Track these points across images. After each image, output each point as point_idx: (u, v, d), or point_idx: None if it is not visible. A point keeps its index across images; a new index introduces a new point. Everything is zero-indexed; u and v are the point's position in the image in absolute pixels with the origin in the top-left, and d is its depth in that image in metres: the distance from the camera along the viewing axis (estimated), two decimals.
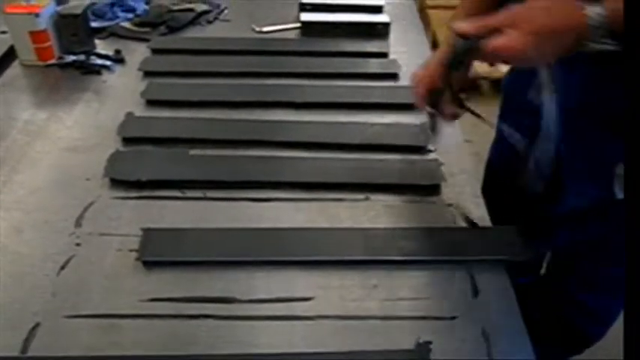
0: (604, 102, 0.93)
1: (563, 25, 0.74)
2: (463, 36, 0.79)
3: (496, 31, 0.75)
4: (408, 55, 1.47)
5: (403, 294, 0.83)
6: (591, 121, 0.96)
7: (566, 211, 1.05)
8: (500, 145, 1.33)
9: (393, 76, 1.37)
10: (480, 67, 1.19)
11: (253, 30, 1.60)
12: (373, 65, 1.42)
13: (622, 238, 0.99)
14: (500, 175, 1.31)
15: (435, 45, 3.23)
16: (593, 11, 0.73)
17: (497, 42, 0.75)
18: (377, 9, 1.65)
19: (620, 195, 0.94)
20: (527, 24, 0.74)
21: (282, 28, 1.60)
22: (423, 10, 3.58)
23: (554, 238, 1.08)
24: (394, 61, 1.42)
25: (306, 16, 1.59)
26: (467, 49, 0.80)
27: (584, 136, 0.99)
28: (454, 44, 0.81)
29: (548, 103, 0.85)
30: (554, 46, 0.75)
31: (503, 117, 1.26)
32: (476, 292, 0.83)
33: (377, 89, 1.30)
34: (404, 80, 1.35)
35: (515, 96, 1.19)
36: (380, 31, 1.56)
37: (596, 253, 1.07)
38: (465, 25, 0.78)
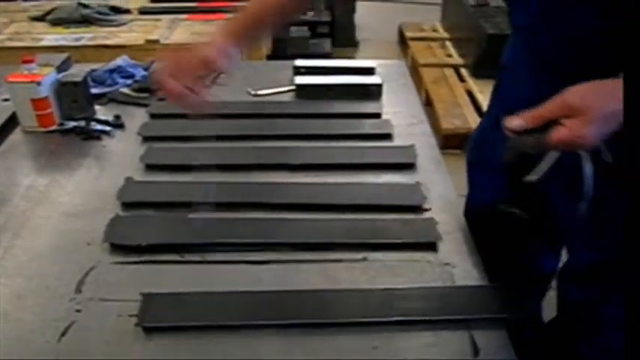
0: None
1: (619, 107, 0.73)
2: (519, 132, 0.79)
3: (552, 121, 0.76)
4: (401, 115, 1.50)
5: (404, 355, 0.83)
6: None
7: (579, 268, 1.05)
8: (481, 196, 1.33)
9: (387, 137, 1.40)
10: None
11: (249, 93, 1.64)
12: (367, 126, 1.45)
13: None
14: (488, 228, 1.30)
15: (428, 103, 3.30)
16: None
17: (560, 135, 0.75)
18: (369, 71, 1.70)
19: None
20: (586, 112, 0.75)
21: (277, 91, 1.64)
22: (415, 69, 3.67)
23: (568, 293, 1.07)
24: (387, 122, 1.45)
25: (301, 79, 1.63)
26: (529, 146, 0.79)
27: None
28: (513, 145, 0.80)
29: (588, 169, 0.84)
30: (614, 126, 0.75)
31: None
32: (476, 351, 0.84)
33: (371, 150, 1.33)
34: (397, 140, 1.38)
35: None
36: (372, 93, 1.60)
37: (617, 302, 1.06)
38: (519, 122, 0.79)
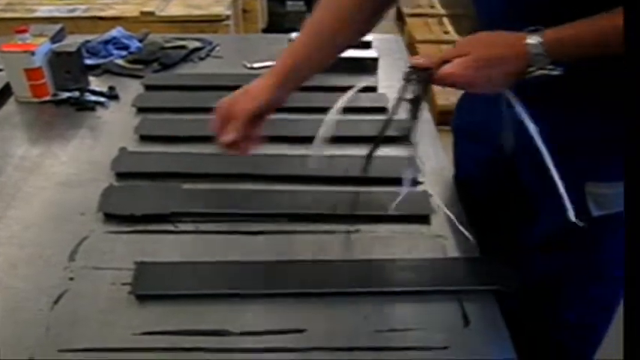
0: (563, 127, 0.97)
1: (503, 53, 0.84)
2: (419, 68, 0.91)
3: (447, 61, 0.87)
4: (397, 89, 1.49)
5: (394, 325, 0.84)
6: (554, 146, 0.99)
7: (544, 236, 1.07)
8: (465, 165, 1.30)
9: (382, 110, 1.40)
10: None
11: (244, 66, 1.63)
12: (363, 99, 1.44)
13: (604, 256, 1.02)
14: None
15: None
16: (533, 40, 0.82)
17: (443, 69, 0.87)
18: (365, 44, 1.68)
19: (595, 212, 0.98)
20: (469, 53, 0.85)
21: (272, 64, 1.62)
22: (412, 45, 3.65)
23: (533, 263, 1.09)
24: (383, 95, 1.45)
25: None
26: (422, 80, 0.92)
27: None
28: (409, 77, 0.93)
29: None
30: (497, 72, 0.85)
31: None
32: (467, 321, 0.84)
33: (367, 123, 1.33)
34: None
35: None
36: (369, 66, 1.60)
37: (580, 274, 1.08)
38: (422, 60, 0.91)
